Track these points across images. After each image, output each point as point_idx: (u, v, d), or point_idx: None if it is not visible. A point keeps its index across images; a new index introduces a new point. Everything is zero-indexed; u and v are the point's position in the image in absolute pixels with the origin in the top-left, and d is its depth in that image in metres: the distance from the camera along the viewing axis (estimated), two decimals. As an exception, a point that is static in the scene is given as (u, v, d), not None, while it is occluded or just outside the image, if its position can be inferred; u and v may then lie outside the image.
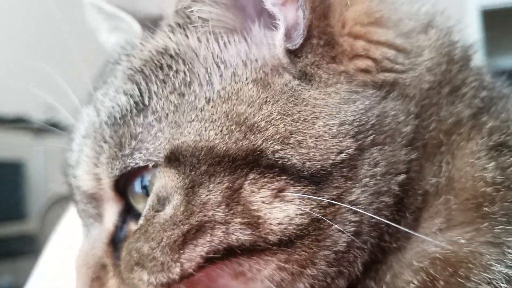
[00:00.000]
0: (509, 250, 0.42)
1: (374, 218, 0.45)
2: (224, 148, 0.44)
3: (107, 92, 0.52)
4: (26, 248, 3.13)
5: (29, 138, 3.04)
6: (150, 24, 0.55)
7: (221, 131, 0.45)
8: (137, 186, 0.49)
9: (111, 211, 0.51)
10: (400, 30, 0.50)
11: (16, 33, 3.51)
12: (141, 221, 0.47)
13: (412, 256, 0.45)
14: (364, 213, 0.45)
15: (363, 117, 0.46)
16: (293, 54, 0.47)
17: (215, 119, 0.45)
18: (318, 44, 0.48)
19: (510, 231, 0.42)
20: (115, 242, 0.51)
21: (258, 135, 0.44)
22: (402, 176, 0.47)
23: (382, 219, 0.45)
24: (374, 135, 0.46)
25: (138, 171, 0.48)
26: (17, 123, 3.06)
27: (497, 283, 0.41)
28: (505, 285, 0.41)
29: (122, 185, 0.49)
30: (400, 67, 0.49)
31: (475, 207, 0.45)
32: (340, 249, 0.45)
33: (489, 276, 0.41)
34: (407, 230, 0.45)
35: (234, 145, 0.44)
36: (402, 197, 0.47)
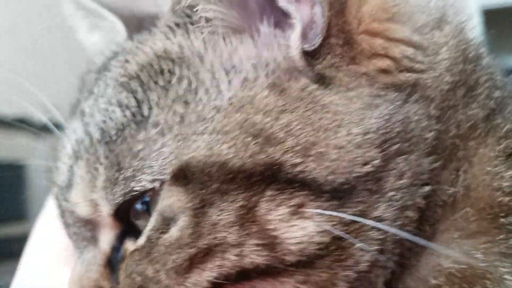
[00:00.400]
0: None
1: (399, 235, 0.41)
2: (238, 163, 0.40)
3: (96, 104, 0.47)
4: (26, 249, 3.12)
5: (29, 139, 3.03)
6: (137, 24, 0.51)
7: (234, 144, 0.40)
8: (137, 204, 0.44)
9: (108, 235, 0.47)
10: (414, 25, 0.47)
11: (15, 33, 3.50)
12: (143, 241, 0.43)
13: (427, 271, 0.43)
14: (389, 230, 0.41)
15: (388, 124, 0.42)
16: (309, 55, 0.43)
17: (228, 131, 0.41)
18: (337, 44, 0.44)
19: None
20: (112, 263, 0.47)
21: (276, 147, 0.40)
22: (427, 188, 0.43)
23: (408, 236, 0.41)
24: (399, 144, 0.42)
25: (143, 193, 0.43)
26: (18, 124, 3.04)
27: None
28: None
29: (123, 209, 0.45)
30: (420, 66, 0.45)
31: (491, 217, 0.42)
32: (362, 269, 0.42)
33: None
34: (434, 244, 0.42)
35: (250, 159, 0.40)
36: (424, 209, 0.43)
